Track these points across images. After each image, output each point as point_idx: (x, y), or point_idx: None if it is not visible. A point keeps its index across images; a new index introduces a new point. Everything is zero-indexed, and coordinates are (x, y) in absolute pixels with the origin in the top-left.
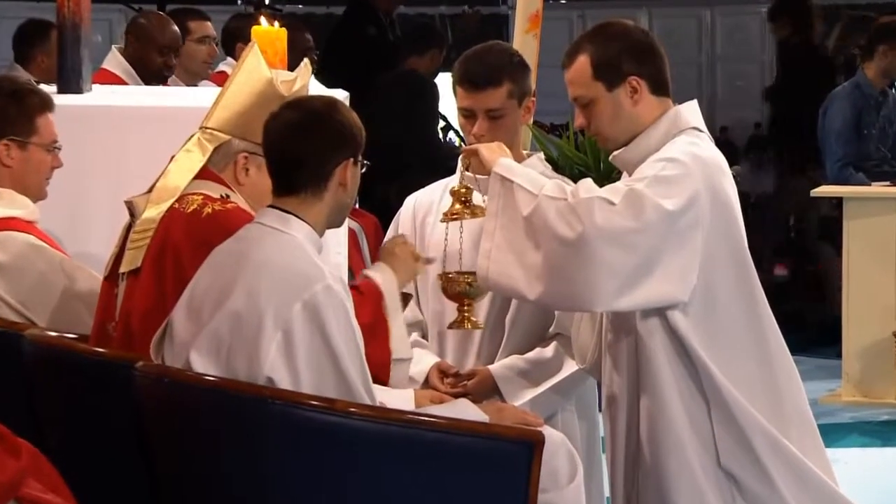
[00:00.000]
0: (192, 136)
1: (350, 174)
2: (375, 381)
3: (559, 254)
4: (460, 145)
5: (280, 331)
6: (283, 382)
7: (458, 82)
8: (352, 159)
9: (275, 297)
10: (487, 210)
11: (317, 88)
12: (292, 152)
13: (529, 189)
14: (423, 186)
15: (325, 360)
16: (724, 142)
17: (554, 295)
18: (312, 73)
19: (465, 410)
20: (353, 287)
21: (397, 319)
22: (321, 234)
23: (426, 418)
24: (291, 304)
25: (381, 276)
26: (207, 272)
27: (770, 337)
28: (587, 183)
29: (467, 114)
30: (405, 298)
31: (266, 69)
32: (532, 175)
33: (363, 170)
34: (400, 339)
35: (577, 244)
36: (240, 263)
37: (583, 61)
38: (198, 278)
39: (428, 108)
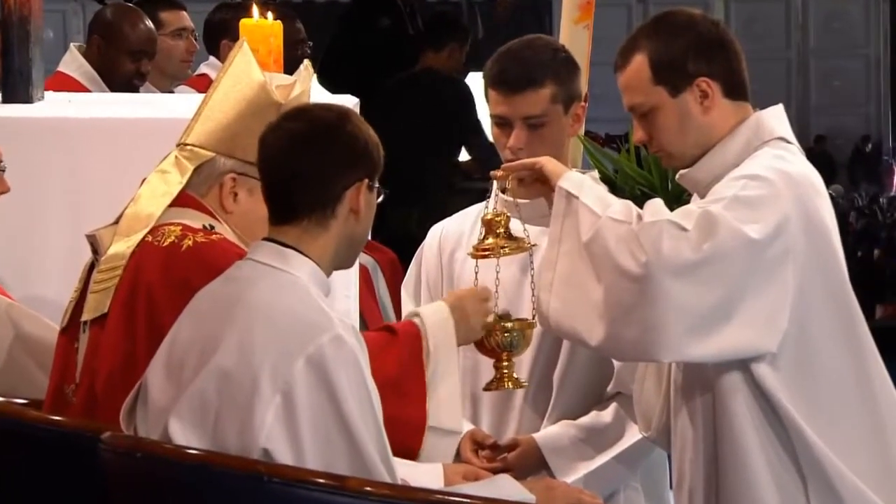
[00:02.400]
0: (168, 155)
1: (364, 200)
2: (401, 451)
3: (620, 289)
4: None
5: (279, 393)
6: (283, 455)
7: (491, 84)
8: (366, 181)
9: (272, 352)
10: (550, 234)
11: (320, 94)
12: (293, 169)
13: (594, 209)
14: (449, 213)
15: (335, 427)
16: (819, 155)
17: (615, 340)
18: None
19: (506, 489)
20: (384, 328)
21: (448, 380)
22: (328, 273)
23: (458, 499)
24: (293, 361)
25: (433, 317)
26: (189, 321)
27: (880, 395)
28: (655, 204)
29: (502, 122)
30: None
31: (258, 72)
32: (601, 193)
33: (380, 198)
34: (447, 405)
35: (640, 278)
36: (229, 310)
37: (640, 62)
38: (178, 328)
39: (466, 110)
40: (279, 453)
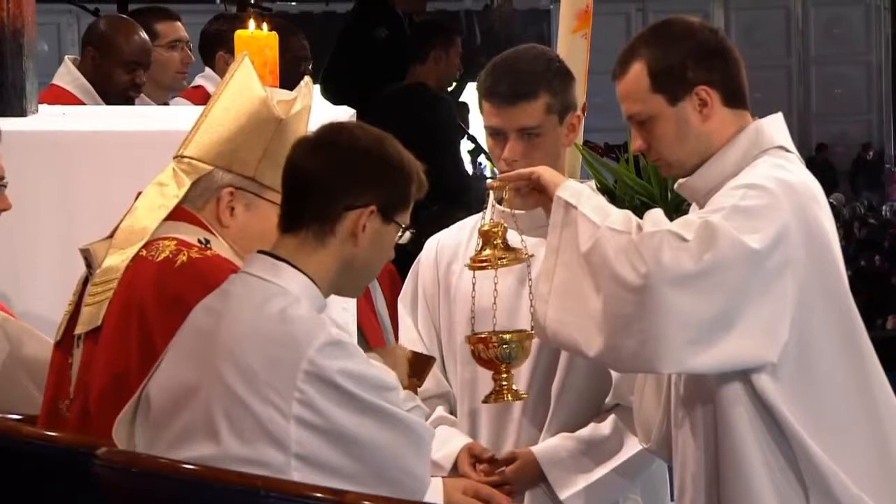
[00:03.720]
0: (166, 167)
1: (369, 226)
2: None
3: (620, 300)
4: (493, 171)
5: (294, 402)
6: (325, 454)
7: (485, 96)
8: (374, 208)
9: (270, 369)
10: (548, 244)
11: (321, 105)
12: (306, 177)
13: (593, 219)
14: (444, 226)
15: (358, 410)
16: (820, 163)
17: (614, 351)
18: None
19: None
20: None
21: None
22: (326, 294)
23: None
24: (294, 376)
25: None
26: (188, 338)
27: (881, 404)
28: (654, 215)
29: (496, 134)
30: (428, 362)
31: (259, 86)
32: (600, 203)
33: (402, 237)
34: None
35: (640, 289)
36: (221, 329)
37: (638, 70)
38: (176, 345)
39: (441, 132)
40: (316, 454)
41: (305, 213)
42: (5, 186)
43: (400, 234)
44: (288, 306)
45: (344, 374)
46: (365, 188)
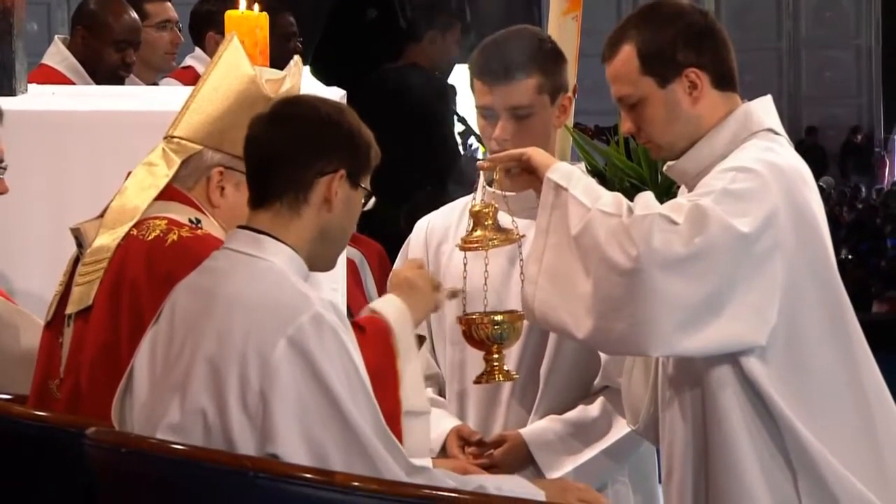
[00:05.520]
0: (155, 147)
1: (340, 191)
2: None
3: (610, 283)
4: (485, 153)
5: (265, 378)
6: (281, 446)
7: (476, 75)
8: (343, 172)
9: (253, 338)
10: (537, 226)
11: (312, 86)
12: (270, 150)
13: (583, 201)
14: (438, 207)
15: (326, 409)
16: (810, 146)
17: (603, 333)
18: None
19: (515, 481)
20: (353, 323)
21: (411, 364)
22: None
23: (446, 494)
24: (274, 344)
25: (389, 308)
26: (170, 314)
27: (869, 386)
28: (645, 198)
29: (487, 113)
30: (419, 341)
31: (248, 65)
32: (590, 185)
33: (367, 203)
34: (413, 387)
35: (630, 272)
36: (206, 302)
37: (628, 52)
38: (159, 321)
39: (434, 112)
40: (276, 446)
41: (277, 186)
42: (5, 170)
43: (364, 200)
44: (274, 280)
45: (321, 352)
46: (333, 154)
